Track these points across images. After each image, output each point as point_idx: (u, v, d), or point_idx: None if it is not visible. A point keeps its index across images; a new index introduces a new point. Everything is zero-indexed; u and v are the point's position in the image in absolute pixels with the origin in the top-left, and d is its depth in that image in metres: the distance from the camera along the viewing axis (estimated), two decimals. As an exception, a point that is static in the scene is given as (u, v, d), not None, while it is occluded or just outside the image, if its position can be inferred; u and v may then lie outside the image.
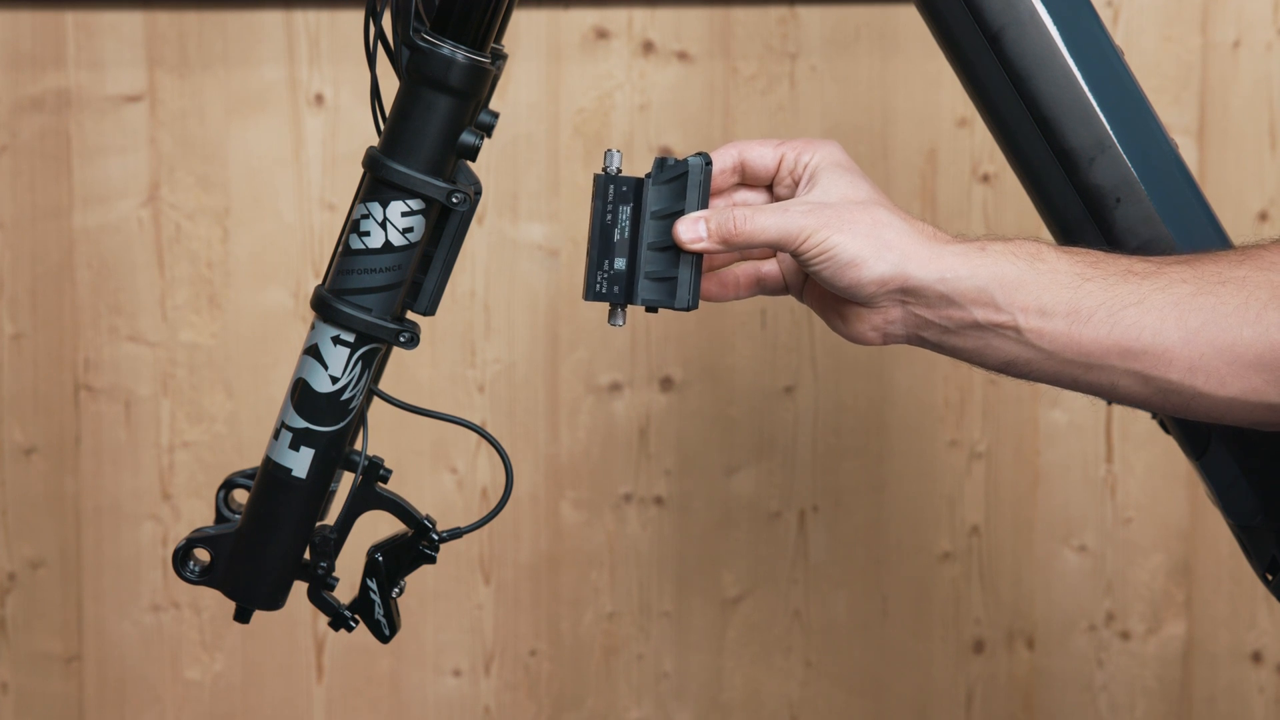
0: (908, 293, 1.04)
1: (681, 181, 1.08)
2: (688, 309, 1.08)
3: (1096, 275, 1.04)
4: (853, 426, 2.16)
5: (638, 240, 1.08)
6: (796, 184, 1.09)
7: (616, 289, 1.09)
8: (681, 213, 1.07)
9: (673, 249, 1.08)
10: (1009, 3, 1.16)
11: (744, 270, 1.12)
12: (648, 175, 1.09)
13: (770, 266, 1.12)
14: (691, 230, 1.07)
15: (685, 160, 1.08)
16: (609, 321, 1.09)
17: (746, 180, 1.11)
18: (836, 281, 1.04)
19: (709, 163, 1.08)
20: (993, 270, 1.04)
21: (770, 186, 1.11)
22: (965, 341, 1.05)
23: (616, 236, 1.09)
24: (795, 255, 1.04)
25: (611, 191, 1.09)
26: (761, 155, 1.10)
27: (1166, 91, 2.13)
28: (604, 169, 1.09)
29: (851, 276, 1.03)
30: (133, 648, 2.14)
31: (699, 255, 1.07)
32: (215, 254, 2.10)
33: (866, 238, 1.03)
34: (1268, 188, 2.15)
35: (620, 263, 1.09)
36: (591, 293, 1.09)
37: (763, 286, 1.12)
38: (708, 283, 1.11)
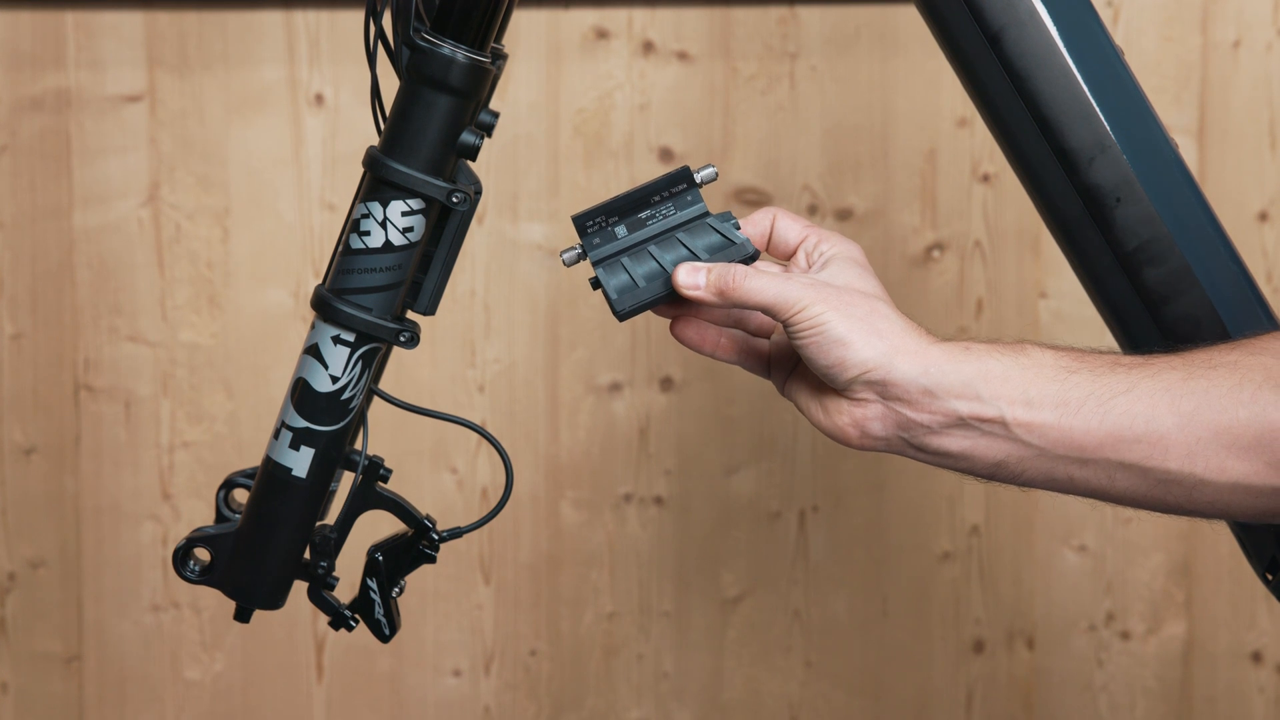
0: (889, 385, 1.02)
1: (723, 244, 1.08)
2: (617, 315, 1.07)
3: (1083, 367, 1.02)
4: (853, 426, 2.16)
5: (650, 236, 1.09)
6: (809, 267, 1.08)
7: (597, 241, 1.09)
8: (697, 259, 1.08)
9: (662, 271, 1.08)
10: (1009, 3, 1.16)
11: (730, 335, 1.10)
12: (711, 213, 1.09)
13: (760, 344, 1.10)
14: (691, 277, 1.06)
15: (742, 235, 1.08)
16: (562, 252, 1.09)
17: (769, 248, 1.10)
18: (820, 359, 1.03)
19: (755, 256, 1.08)
20: (977, 365, 1.02)
21: (787, 261, 1.11)
22: (951, 442, 1.03)
23: (643, 214, 1.09)
24: (786, 325, 1.03)
25: (680, 188, 1.09)
26: (789, 228, 1.09)
27: (1166, 91, 2.13)
28: (697, 171, 1.09)
29: (837, 355, 1.02)
30: (133, 648, 2.14)
31: (670, 294, 1.07)
32: (215, 254, 2.10)
33: (860, 321, 1.02)
34: (1268, 188, 2.15)
35: (622, 231, 1.09)
36: (580, 221, 1.09)
37: (743, 359, 1.10)
38: (687, 328, 1.09)
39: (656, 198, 1.09)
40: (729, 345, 1.10)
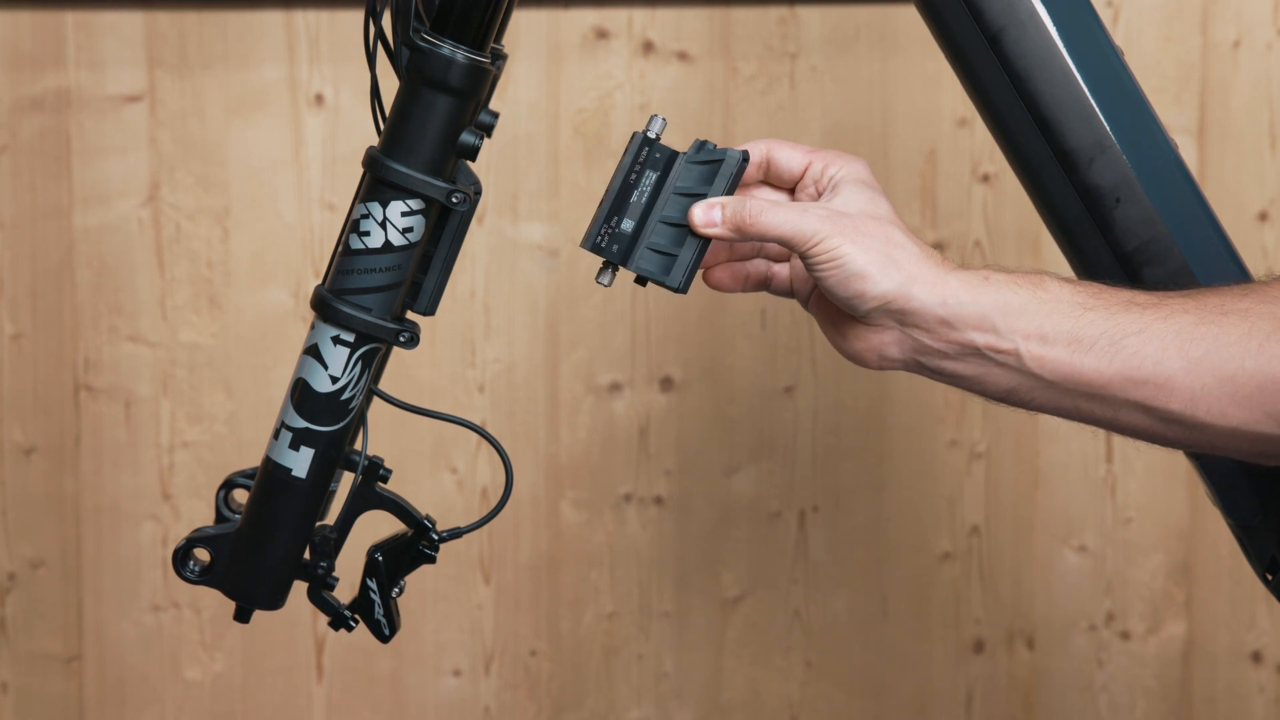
0: (908, 314, 1.04)
1: (714, 168, 1.08)
2: (678, 290, 1.08)
3: (1099, 305, 1.04)
4: (853, 426, 2.16)
5: (652, 209, 1.08)
6: (820, 194, 1.09)
7: (616, 248, 1.09)
8: (704, 196, 1.08)
9: (683, 228, 1.08)
10: (1009, 3, 1.16)
11: (755, 266, 1.12)
12: (684, 152, 1.09)
13: (781, 268, 1.12)
14: (706, 215, 1.07)
15: (724, 150, 1.08)
16: (596, 277, 1.09)
17: (770, 179, 1.11)
18: (839, 291, 1.04)
19: (746, 159, 1.08)
20: (995, 297, 1.04)
21: (793, 191, 1.11)
22: (965, 368, 1.05)
23: (633, 198, 1.09)
24: (804, 257, 1.04)
25: (645, 154, 1.09)
26: (790, 157, 1.10)
27: (1166, 91, 2.13)
28: (645, 130, 1.09)
29: (856, 288, 1.03)
30: (133, 648, 2.14)
31: (704, 241, 1.07)
32: (215, 254, 2.10)
33: (878, 253, 1.03)
34: (1268, 188, 2.15)
35: (628, 224, 1.09)
36: (591, 242, 1.09)
37: (768, 285, 1.12)
38: (720, 272, 1.11)
39: (633, 176, 1.09)
40: (755, 277, 1.12)
